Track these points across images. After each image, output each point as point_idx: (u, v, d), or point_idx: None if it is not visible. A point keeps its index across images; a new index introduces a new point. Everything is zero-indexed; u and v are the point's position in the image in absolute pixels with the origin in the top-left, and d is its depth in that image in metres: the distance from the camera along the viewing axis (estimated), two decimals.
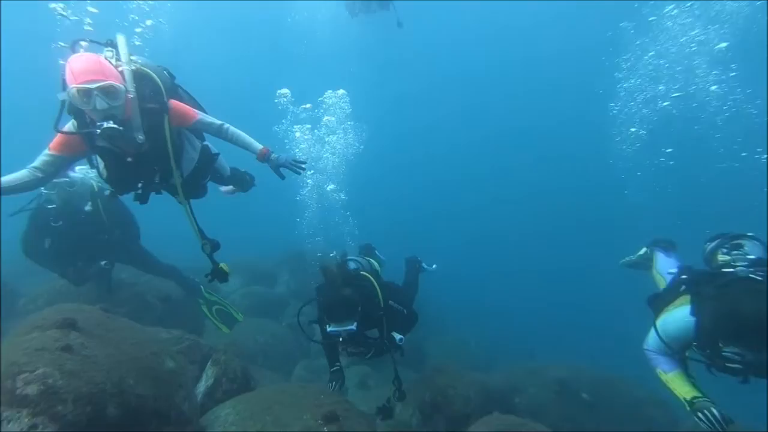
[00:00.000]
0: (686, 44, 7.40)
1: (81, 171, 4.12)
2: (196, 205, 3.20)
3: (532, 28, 18.35)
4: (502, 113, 20.62)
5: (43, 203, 4.01)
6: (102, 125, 2.36)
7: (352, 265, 3.89)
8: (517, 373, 5.06)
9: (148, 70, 2.69)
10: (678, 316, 2.43)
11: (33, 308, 4.20)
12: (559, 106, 18.77)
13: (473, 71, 20.28)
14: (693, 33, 7.32)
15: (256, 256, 8.28)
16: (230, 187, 3.91)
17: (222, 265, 3.04)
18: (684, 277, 2.56)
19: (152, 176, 2.82)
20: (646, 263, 3.51)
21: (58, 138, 2.56)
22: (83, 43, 2.52)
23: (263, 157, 3.01)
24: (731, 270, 2.32)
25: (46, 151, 2.59)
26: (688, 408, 2.35)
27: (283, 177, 3.12)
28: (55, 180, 3.29)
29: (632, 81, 8.33)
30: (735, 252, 2.50)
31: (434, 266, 5.07)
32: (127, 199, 3.08)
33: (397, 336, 3.29)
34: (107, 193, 3.00)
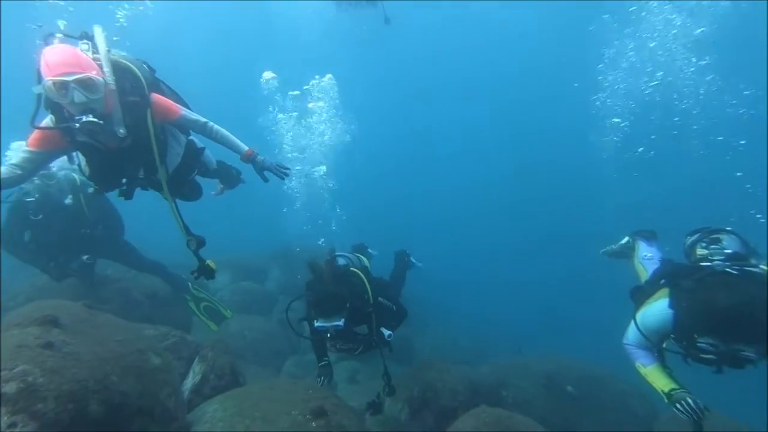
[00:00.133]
0: (666, 32, 7.55)
1: (60, 166, 4.02)
2: (183, 200, 3.17)
3: (516, 24, 18.41)
4: (490, 110, 20.77)
5: (22, 196, 3.92)
6: (81, 119, 2.29)
7: (341, 261, 3.89)
8: (504, 368, 5.13)
9: (128, 63, 2.62)
10: (657, 309, 2.50)
11: (13, 305, 4.10)
12: (545, 100, 18.94)
13: (461, 68, 20.38)
14: (672, 19, 7.47)
15: (245, 252, 8.21)
16: (221, 187, 3.84)
17: (208, 262, 2.99)
18: (664, 270, 2.62)
19: (136, 172, 2.76)
20: (628, 252, 3.56)
21: (35, 134, 2.47)
22: (58, 35, 2.41)
23: (248, 158, 3.00)
24: (708, 264, 2.39)
25: (25, 148, 2.50)
26: (666, 400, 2.42)
27: (266, 180, 3.14)
28: None
29: (615, 73, 8.47)
30: (713, 246, 2.56)
31: (421, 264, 5.10)
32: (112, 194, 3.02)
33: (386, 332, 3.30)
34: (90, 190, 2.92)
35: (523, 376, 4.86)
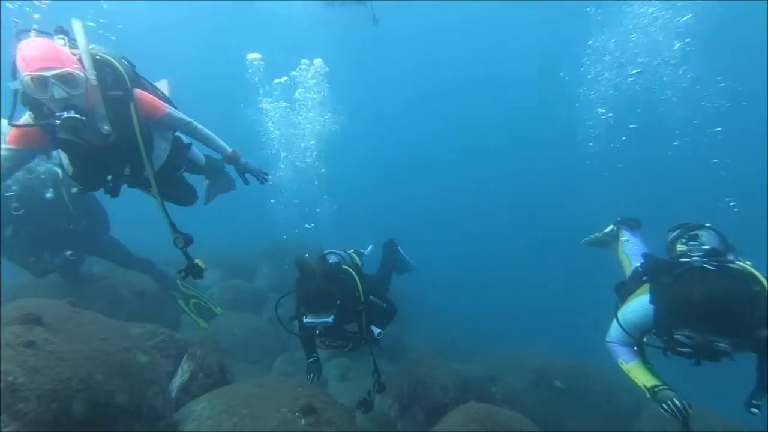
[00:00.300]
0: (650, 22, 7.70)
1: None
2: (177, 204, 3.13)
3: (504, 20, 18.50)
4: (478, 106, 20.87)
5: (2, 190, 3.82)
6: (62, 115, 2.21)
7: (333, 259, 3.87)
8: (494, 363, 5.18)
9: (108, 57, 2.55)
10: (638, 305, 2.55)
11: None
12: (532, 93, 19.08)
13: (448, 64, 20.45)
14: (653, 11, 7.63)
15: (235, 250, 8.15)
16: (207, 183, 3.78)
17: (197, 260, 2.95)
18: (646, 266, 2.67)
19: (122, 169, 2.69)
20: (611, 241, 3.60)
21: (14, 131, 2.38)
22: (34, 29, 2.32)
23: (231, 160, 3.00)
24: (687, 260, 2.45)
25: (4, 146, 2.41)
26: (648, 395, 2.48)
27: (247, 182, 3.15)
28: None
29: (599, 66, 8.60)
30: (692, 243, 2.61)
31: (414, 262, 5.08)
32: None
33: (376, 330, 3.30)
34: (74, 190, 2.84)
35: (512, 372, 4.92)
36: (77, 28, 2.43)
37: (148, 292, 4.73)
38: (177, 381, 3.19)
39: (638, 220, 3.53)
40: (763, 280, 2.24)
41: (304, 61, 8.00)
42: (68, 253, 4.09)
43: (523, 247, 16.41)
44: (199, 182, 3.59)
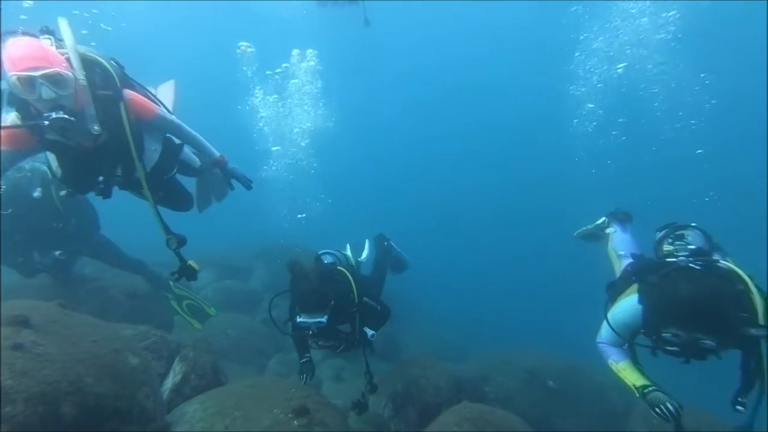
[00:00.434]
0: (638, 14, 7.84)
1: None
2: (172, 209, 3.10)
3: (494, 18, 18.62)
4: (468, 106, 20.97)
5: None
6: (50, 116, 2.16)
7: (328, 259, 3.86)
8: (487, 363, 5.20)
9: (97, 57, 2.51)
10: (627, 305, 2.58)
11: None
12: (522, 92, 19.21)
13: (439, 64, 20.54)
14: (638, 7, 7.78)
15: (229, 250, 8.11)
16: (205, 197, 3.74)
17: (191, 261, 2.91)
18: (635, 266, 2.71)
19: (114, 170, 2.65)
20: (602, 234, 3.63)
21: (1, 133, 2.31)
22: (19, 32, 2.26)
23: (218, 164, 2.98)
24: (673, 260, 2.48)
25: None
26: (637, 394, 2.50)
27: (233, 188, 3.14)
28: None
29: (589, 63, 8.72)
30: (678, 242, 2.65)
31: (407, 257, 5.06)
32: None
33: (369, 332, 3.30)
34: (63, 193, 2.79)
35: (505, 372, 4.94)
36: (64, 27, 2.39)
37: (140, 293, 4.69)
38: (169, 383, 3.17)
39: (629, 213, 3.56)
40: (747, 279, 2.28)
41: (295, 51, 7.94)
42: (57, 252, 4.04)
43: (516, 247, 16.50)
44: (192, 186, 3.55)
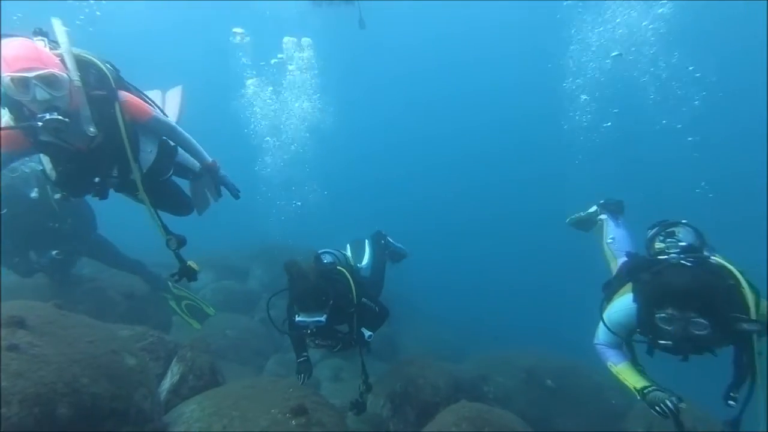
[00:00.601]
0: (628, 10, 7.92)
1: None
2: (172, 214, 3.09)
3: (490, 14, 18.64)
4: (464, 104, 21.00)
5: None
6: (44, 117, 2.13)
7: (328, 258, 3.85)
8: (486, 363, 5.20)
9: (91, 57, 2.50)
10: (622, 304, 2.59)
11: None
12: (518, 89, 19.24)
13: (435, 62, 20.58)
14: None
15: (227, 250, 8.10)
16: (202, 197, 3.72)
17: (190, 262, 2.89)
18: (629, 265, 2.71)
19: (110, 171, 2.62)
20: (594, 221, 3.64)
21: None
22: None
23: (209, 168, 2.98)
24: (665, 257, 2.51)
25: None
26: (638, 396, 2.50)
27: (220, 195, 3.14)
28: None
29: (583, 56, 8.79)
30: (669, 240, 2.66)
31: (405, 248, 5.05)
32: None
33: (367, 333, 3.30)
34: (57, 196, 2.76)
35: (504, 371, 4.95)
36: (57, 27, 2.37)
37: (138, 293, 4.67)
38: (167, 383, 3.16)
39: (621, 203, 3.56)
40: (738, 275, 2.30)
41: (286, 38, 7.85)
42: (54, 252, 4.03)
43: (514, 247, 16.52)
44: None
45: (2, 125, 2.31)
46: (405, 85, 21.43)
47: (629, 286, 2.59)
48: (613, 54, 8.18)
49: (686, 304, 2.16)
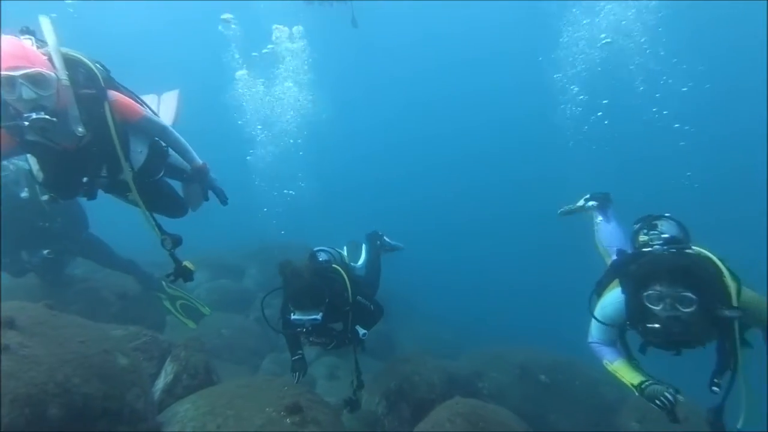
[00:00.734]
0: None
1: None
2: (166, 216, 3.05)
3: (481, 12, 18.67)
4: (460, 103, 21.04)
5: None
6: (30, 116, 2.10)
7: (323, 256, 3.85)
8: (481, 359, 5.23)
9: (80, 56, 2.46)
10: (612, 298, 2.62)
11: None
12: (512, 86, 19.32)
13: (428, 56, 20.60)
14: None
15: (222, 249, 8.08)
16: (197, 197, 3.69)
17: (186, 262, 2.87)
18: (617, 261, 2.74)
19: (98, 171, 2.58)
20: (587, 208, 3.72)
21: None
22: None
23: (199, 171, 2.96)
24: (649, 249, 2.57)
25: None
26: (636, 393, 2.52)
27: (207, 198, 3.11)
28: None
29: (573, 48, 8.87)
30: (652, 232, 2.71)
31: (401, 245, 5.06)
32: None
33: (361, 331, 3.30)
34: (45, 197, 2.72)
35: (499, 367, 4.98)
36: (45, 26, 2.33)
37: (131, 293, 4.65)
38: (160, 383, 3.15)
39: (608, 195, 3.60)
40: (719, 264, 2.34)
41: (275, 26, 7.74)
42: (45, 252, 4.00)
43: (509, 244, 16.59)
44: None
45: None
46: (397, 84, 21.47)
47: (617, 281, 2.62)
48: (603, 41, 8.25)
49: (673, 279, 2.20)
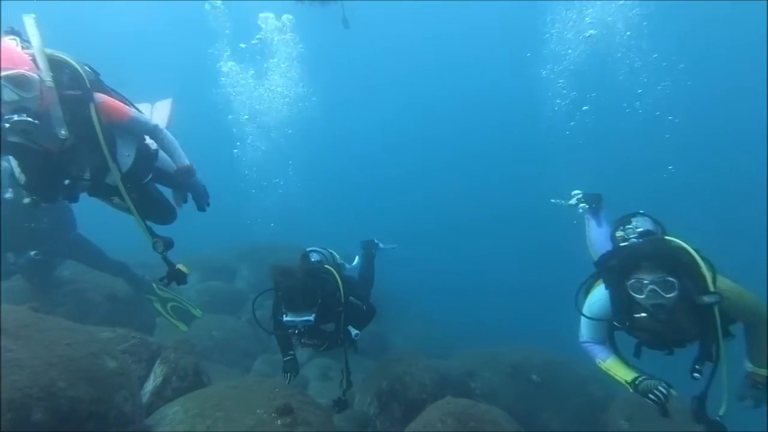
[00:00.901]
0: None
1: None
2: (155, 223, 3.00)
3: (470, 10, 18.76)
4: (454, 102, 21.12)
5: None
6: (12, 118, 2.07)
7: (315, 257, 3.84)
8: (473, 359, 5.25)
9: (66, 57, 2.42)
10: (597, 295, 2.67)
11: None
12: (505, 84, 19.42)
13: (419, 56, 20.67)
14: None
15: (213, 250, 8.02)
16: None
17: (179, 265, 2.84)
18: (597, 259, 2.82)
19: (81, 173, 2.54)
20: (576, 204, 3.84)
21: None
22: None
23: (183, 171, 2.89)
24: (626, 243, 2.71)
25: None
26: (631, 390, 2.56)
27: (186, 201, 3.06)
28: None
29: (560, 43, 9.00)
30: (627, 227, 2.84)
31: (394, 245, 5.08)
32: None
33: (353, 331, 3.30)
34: (26, 200, 2.67)
35: (491, 367, 5.01)
36: (30, 25, 2.29)
37: (120, 295, 4.59)
38: (150, 385, 3.11)
39: (600, 197, 3.67)
40: (694, 253, 2.39)
41: (262, 14, 7.61)
42: (32, 253, 3.94)
43: (503, 244, 16.68)
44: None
45: None
46: (388, 83, 21.47)
47: (602, 279, 2.67)
48: (588, 33, 8.36)
49: (652, 265, 2.27)
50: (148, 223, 2.77)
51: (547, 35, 9.12)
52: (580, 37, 8.60)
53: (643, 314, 2.31)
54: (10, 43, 2.22)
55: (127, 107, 2.69)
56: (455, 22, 19.40)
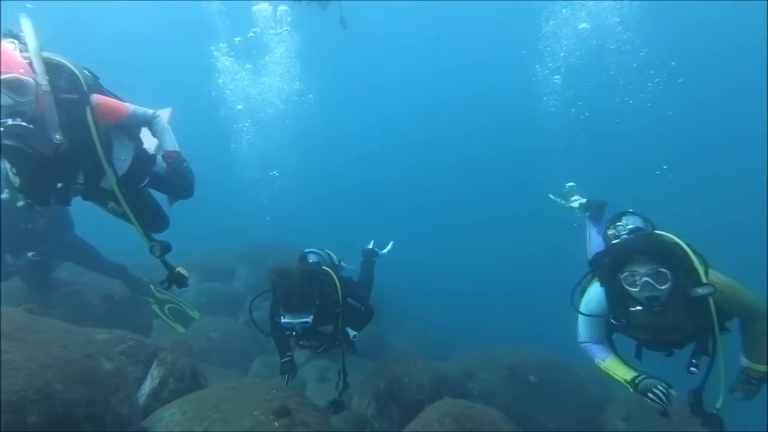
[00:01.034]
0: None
1: None
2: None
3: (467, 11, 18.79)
4: (451, 103, 21.14)
5: None
6: (6, 122, 2.06)
7: (312, 258, 3.84)
8: (471, 360, 5.26)
9: (63, 60, 2.39)
10: (593, 293, 2.69)
11: None
12: (501, 83, 19.47)
13: (417, 55, 20.71)
14: None
15: (211, 251, 8.00)
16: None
17: (179, 268, 2.82)
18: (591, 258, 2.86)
19: (75, 177, 2.52)
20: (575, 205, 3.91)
21: None
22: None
23: (172, 156, 2.84)
24: (617, 241, 2.78)
25: None
26: (630, 389, 2.55)
27: (176, 200, 3.07)
28: None
29: (555, 41, 9.06)
30: (618, 224, 2.92)
31: (391, 243, 5.09)
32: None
33: (351, 332, 3.29)
34: (20, 203, 2.64)
35: (489, 368, 5.01)
36: (26, 28, 2.27)
37: (117, 296, 4.58)
38: (146, 387, 3.10)
39: (603, 204, 3.71)
40: (685, 247, 2.41)
41: (255, 7, 7.56)
42: (30, 254, 3.93)
43: (500, 246, 16.69)
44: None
45: None
46: (386, 84, 21.45)
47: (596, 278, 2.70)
48: (582, 24, 8.42)
49: (644, 258, 2.29)
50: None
51: (543, 32, 9.17)
52: (578, 27, 8.66)
53: (639, 307, 2.32)
54: (8, 46, 2.21)
55: (125, 103, 2.67)
56: (452, 23, 19.45)
